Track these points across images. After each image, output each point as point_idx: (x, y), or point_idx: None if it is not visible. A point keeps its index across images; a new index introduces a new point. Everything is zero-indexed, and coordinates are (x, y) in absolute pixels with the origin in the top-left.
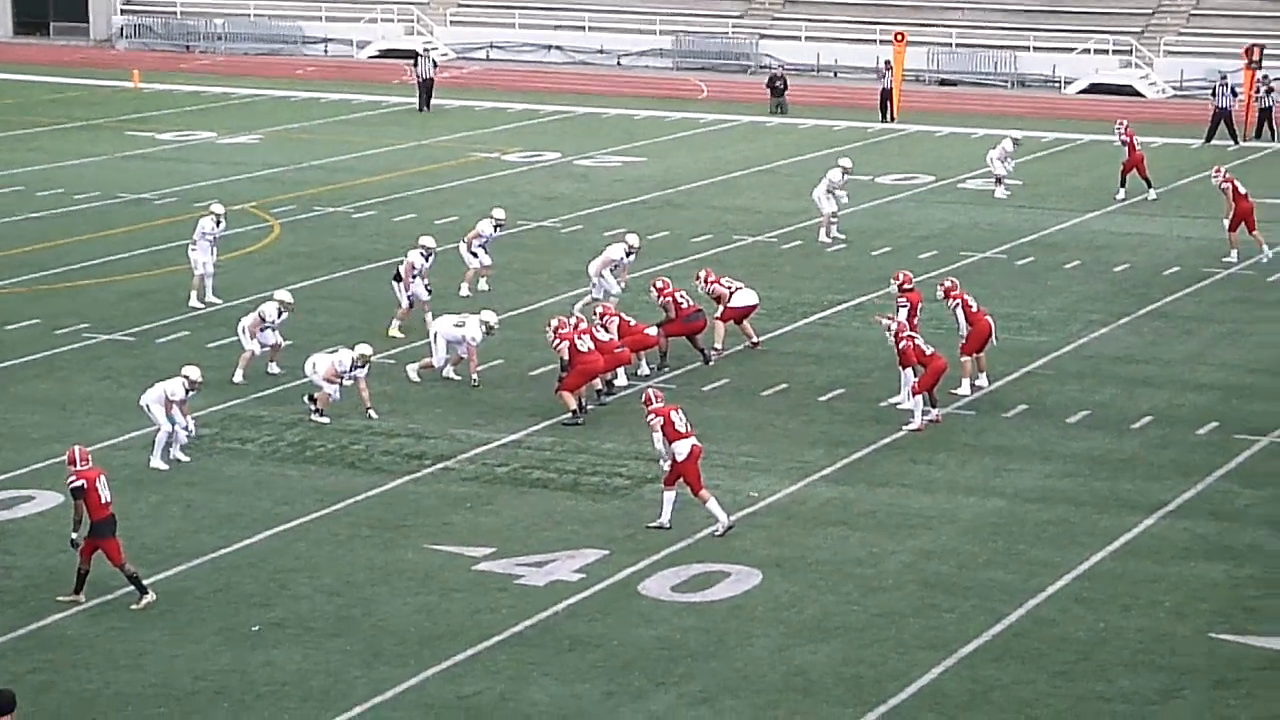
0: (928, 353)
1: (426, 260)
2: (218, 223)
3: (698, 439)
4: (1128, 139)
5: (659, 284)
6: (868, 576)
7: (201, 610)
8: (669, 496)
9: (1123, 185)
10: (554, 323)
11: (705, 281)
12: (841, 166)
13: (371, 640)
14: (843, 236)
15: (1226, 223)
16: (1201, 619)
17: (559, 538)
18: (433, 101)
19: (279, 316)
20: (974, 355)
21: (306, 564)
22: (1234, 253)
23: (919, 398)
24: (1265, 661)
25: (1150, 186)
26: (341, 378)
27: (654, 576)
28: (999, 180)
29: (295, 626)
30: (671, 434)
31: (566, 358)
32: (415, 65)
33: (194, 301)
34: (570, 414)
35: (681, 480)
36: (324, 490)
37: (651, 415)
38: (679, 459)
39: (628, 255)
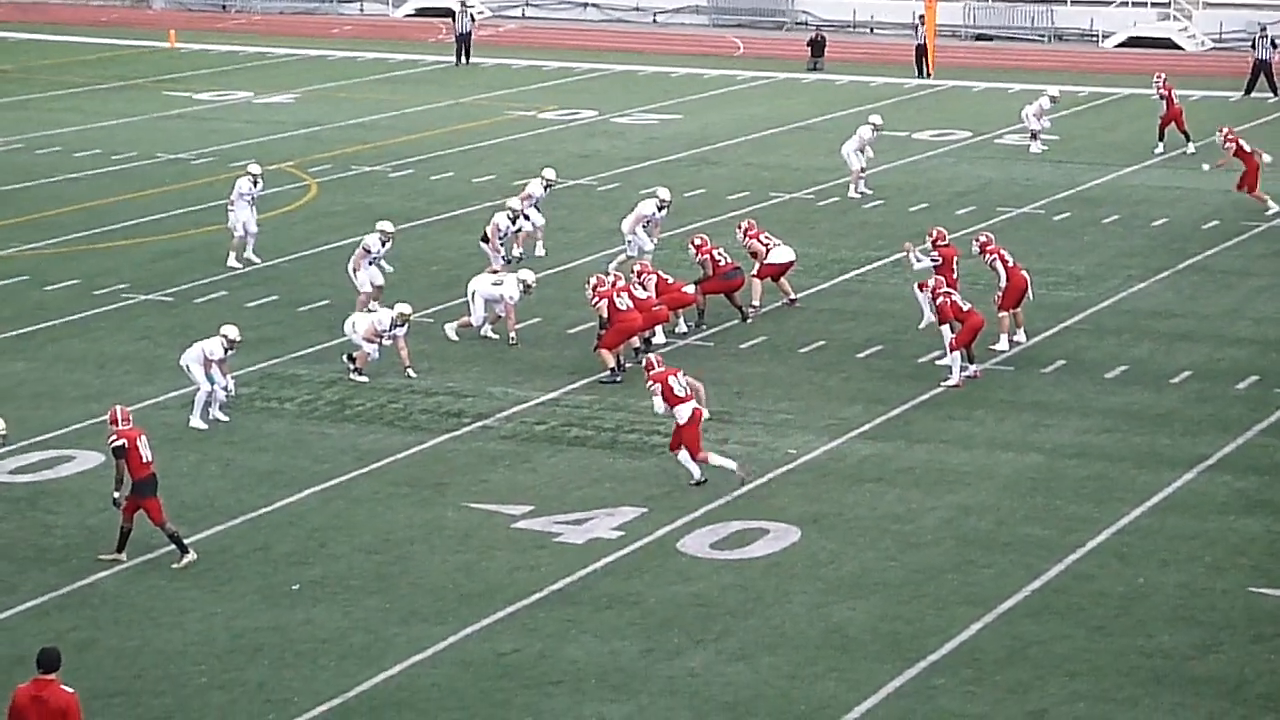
0: (965, 309)
1: (384, 245)
2: (255, 183)
3: (739, 393)
4: (1166, 93)
5: (696, 241)
6: (905, 533)
7: (240, 569)
8: (683, 457)
9: (1161, 139)
10: (593, 280)
11: (745, 234)
12: (872, 124)
13: (409, 598)
14: (870, 192)
15: (1236, 182)
16: (1240, 574)
17: (597, 496)
18: (471, 58)
19: (383, 246)
20: (1011, 311)
21: (345, 523)
22: (1271, 205)
23: (957, 353)
24: None
25: (1189, 140)
26: (381, 337)
27: (692, 534)
28: (1034, 135)
29: (334, 585)
30: (671, 399)
31: (605, 315)
32: (453, 20)
33: (232, 261)
34: (609, 372)
35: None
36: (362, 449)
37: (650, 381)
38: (680, 422)
39: (660, 210)
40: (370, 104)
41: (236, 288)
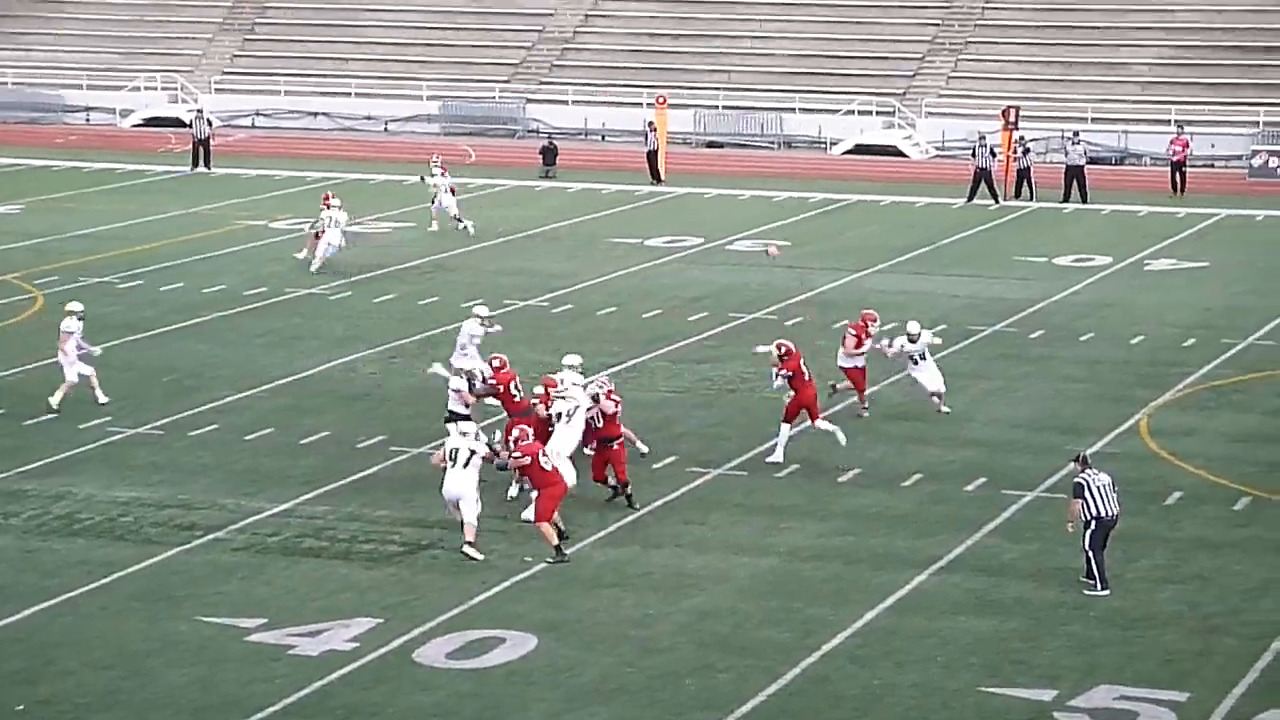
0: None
1: (485, 328)
2: None
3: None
4: None
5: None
6: (644, 638)
7: None
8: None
9: None
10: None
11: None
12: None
13: (143, 714)
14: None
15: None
16: (971, 673)
17: (333, 606)
18: (211, 164)
19: (488, 327)
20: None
21: (75, 638)
22: None
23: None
24: (1033, 711)
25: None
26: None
27: (429, 644)
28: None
29: (63, 703)
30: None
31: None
32: (190, 126)
33: None
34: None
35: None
36: (92, 563)
37: (519, 453)
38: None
39: (484, 325)
40: (98, 214)
41: None
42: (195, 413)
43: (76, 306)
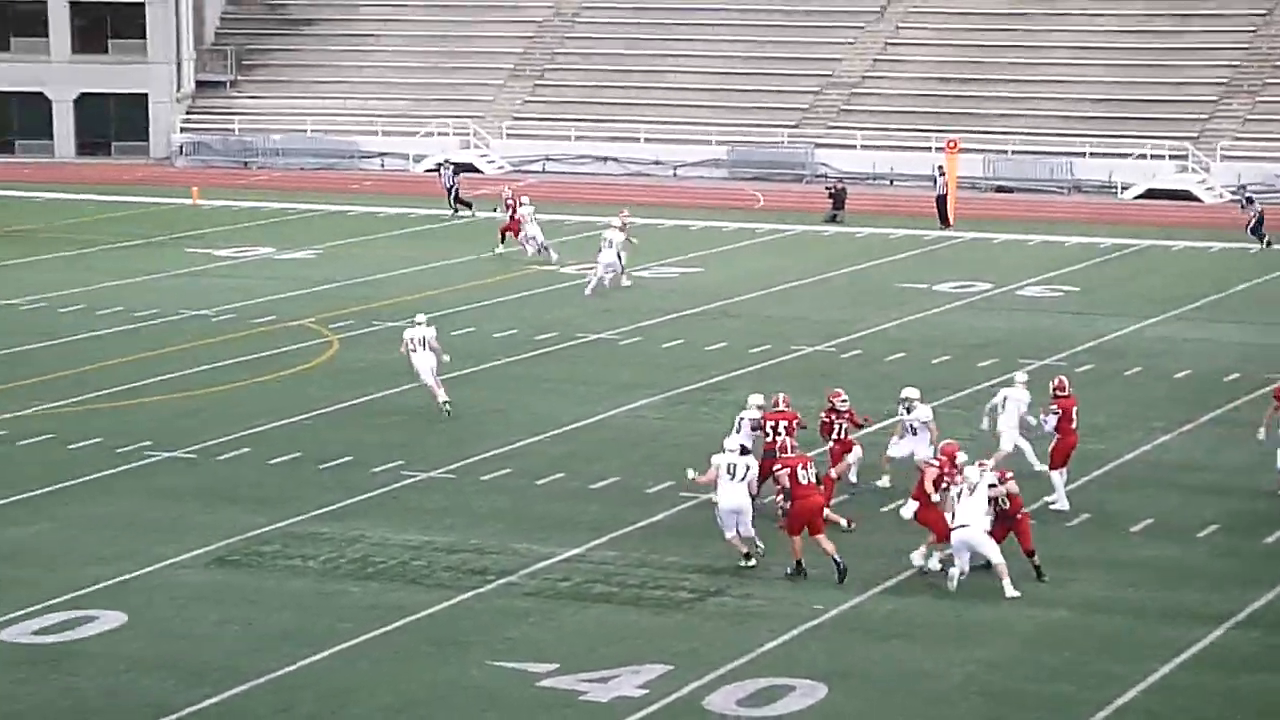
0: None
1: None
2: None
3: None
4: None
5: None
6: (931, 690)
7: None
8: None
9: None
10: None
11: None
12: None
13: None
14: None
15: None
16: None
17: (622, 653)
18: (461, 204)
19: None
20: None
21: (366, 682)
22: None
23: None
24: None
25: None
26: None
27: (719, 691)
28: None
29: None
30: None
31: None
32: (438, 173)
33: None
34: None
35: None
36: (385, 606)
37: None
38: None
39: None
40: (391, 259)
41: (259, 445)
42: (486, 457)
43: (422, 318)
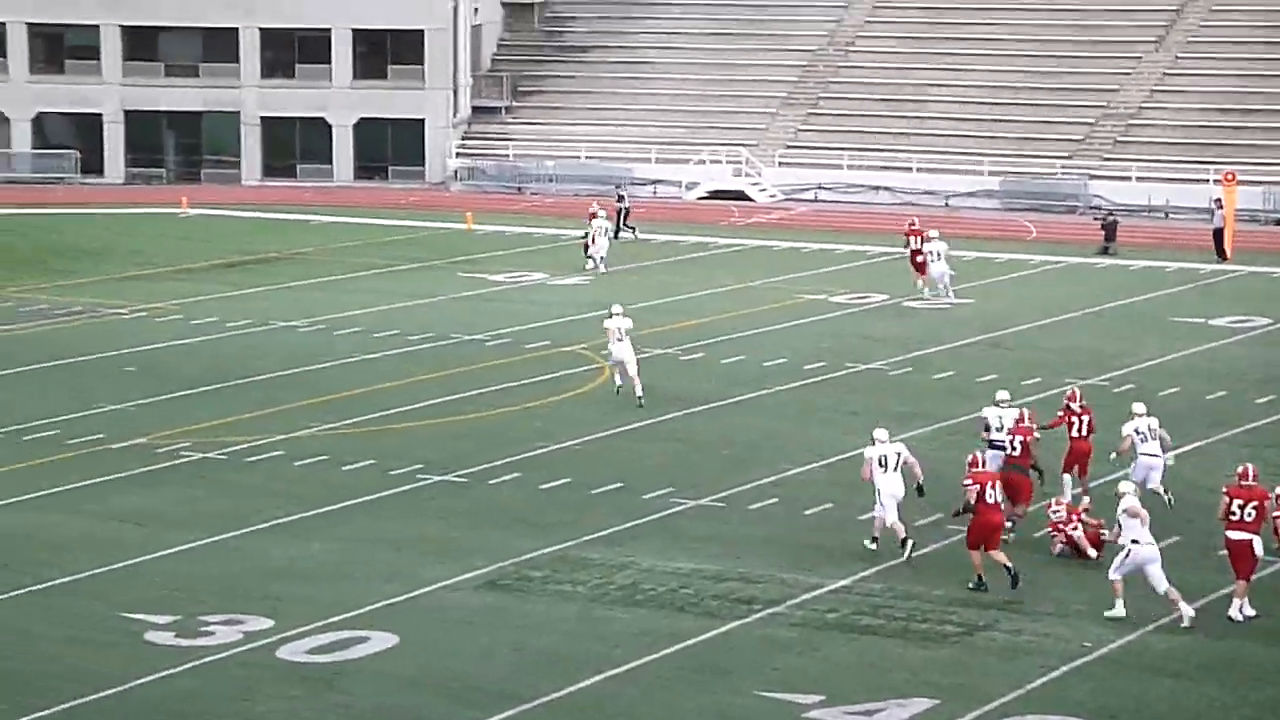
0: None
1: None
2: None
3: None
4: None
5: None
6: None
7: None
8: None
9: None
10: (967, 457)
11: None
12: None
13: None
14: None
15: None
16: None
17: (889, 685)
18: (622, 231)
19: (1001, 419)
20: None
21: (633, 709)
22: None
23: None
24: None
25: None
26: None
27: None
28: None
29: None
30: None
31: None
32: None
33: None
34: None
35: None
36: (654, 633)
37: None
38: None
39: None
40: (662, 285)
41: (529, 470)
42: (755, 486)
43: (618, 308)
